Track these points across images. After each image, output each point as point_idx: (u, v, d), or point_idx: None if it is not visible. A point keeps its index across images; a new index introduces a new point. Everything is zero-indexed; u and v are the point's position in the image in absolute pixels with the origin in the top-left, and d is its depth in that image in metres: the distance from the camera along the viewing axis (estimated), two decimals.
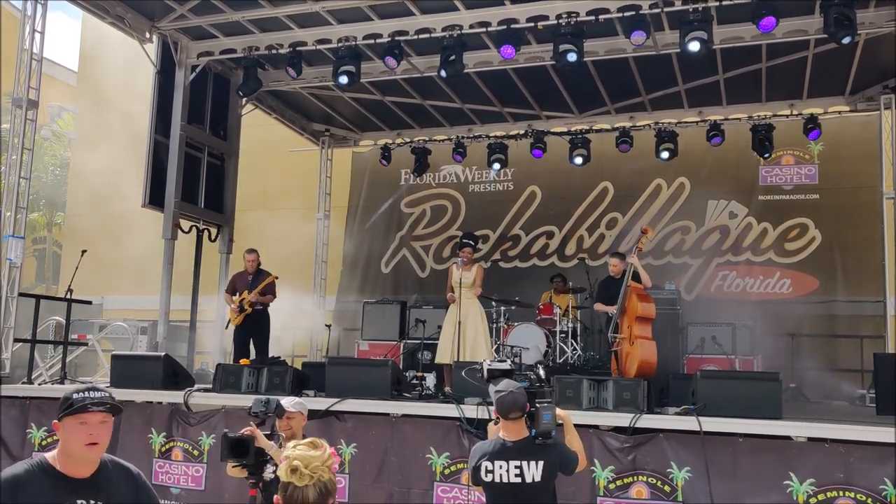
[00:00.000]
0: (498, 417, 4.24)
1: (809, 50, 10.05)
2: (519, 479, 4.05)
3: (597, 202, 13.29)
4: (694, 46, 8.60)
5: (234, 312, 9.62)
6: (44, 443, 8.19)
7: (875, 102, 11.29)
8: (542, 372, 4.39)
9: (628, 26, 8.93)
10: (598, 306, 8.67)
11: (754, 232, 12.40)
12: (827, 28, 8.41)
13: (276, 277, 9.72)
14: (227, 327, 9.92)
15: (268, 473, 4.76)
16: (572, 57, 8.85)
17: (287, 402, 5.16)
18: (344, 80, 9.81)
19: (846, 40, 8.27)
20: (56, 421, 2.99)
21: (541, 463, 4.06)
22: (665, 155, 12.10)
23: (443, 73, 9.48)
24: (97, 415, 2.95)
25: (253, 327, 9.65)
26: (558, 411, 4.23)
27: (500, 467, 4.06)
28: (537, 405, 4.11)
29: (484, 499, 6.44)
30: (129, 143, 14.58)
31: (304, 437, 5.13)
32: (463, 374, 5.24)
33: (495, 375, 4.29)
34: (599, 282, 8.97)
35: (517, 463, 4.06)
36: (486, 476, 4.09)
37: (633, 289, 8.05)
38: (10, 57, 9.38)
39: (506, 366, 4.41)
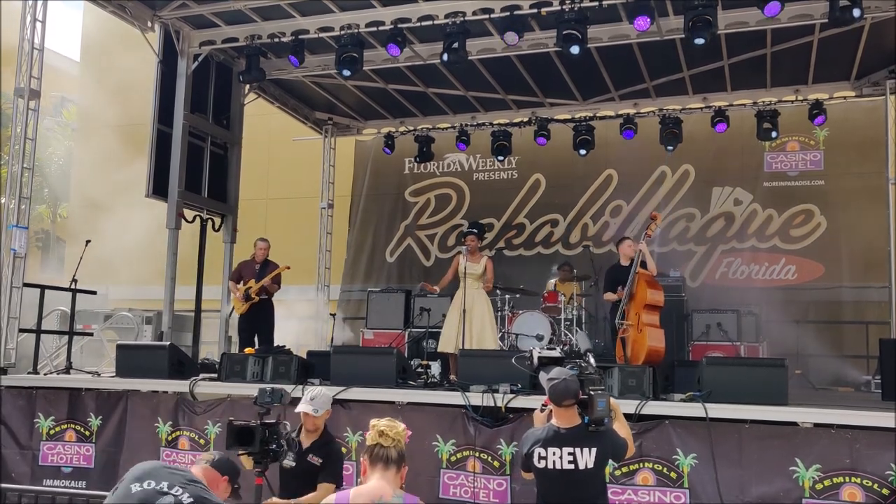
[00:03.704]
0: (545, 405, 4.30)
1: (815, 34, 9.97)
2: (572, 466, 4.10)
3: (601, 190, 13.24)
4: (699, 41, 8.58)
5: (239, 301, 9.64)
6: (51, 432, 8.23)
7: (881, 87, 11.22)
8: (592, 360, 4.42)
9: (632, 12, 8.90)
10: (608, 296, 8.60)
11: (759, 218, 12.34)
12: (832, 13, 8.36)
13: (288, 267, 9.73)
14: (230, 315, 9.94)
15: (287, 461, 4.77)
16: (575, 50, 8.80)
17: (309, 403, 5.08)
18: (346, 68, 9.77)
19: (856, 13, 8.16)
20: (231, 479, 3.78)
21: (594, 450, 4.11)
22: (669, 142, 12.04)
23: (445, 57, 9.41)
24: None
25: (258, 317, 9.68)
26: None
27: (554, 454, 4.10)
28: (591, 392, 4.15)
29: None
30: (132, 132, 14.60)
31: (325, 428, 5.16)
32: (513, 361, 5.31)
33: (545, 363, 4.32)
34: (606, 270, 8.92)
35: (570, 449, 4.10)
36: (539, 462, 4.13)
37: (642, 276, 8.02)
38: (11, 46, 9.36)
39: (556, 353, 4.44)
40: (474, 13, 9.33)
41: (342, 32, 9.83)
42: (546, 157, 13.23)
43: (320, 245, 13.89)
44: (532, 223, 13.53)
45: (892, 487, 5.76)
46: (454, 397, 7.06)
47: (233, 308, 9.80)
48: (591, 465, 4.11)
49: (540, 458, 4.13)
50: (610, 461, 4.41)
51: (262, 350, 9.03)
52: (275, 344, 9.65)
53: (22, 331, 9.05)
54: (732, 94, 11.95)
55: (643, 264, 8.13)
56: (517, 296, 10.56)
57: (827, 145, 12.21)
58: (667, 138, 12.02)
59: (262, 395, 4.89)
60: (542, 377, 4.28)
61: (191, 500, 2.96)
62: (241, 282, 9.70)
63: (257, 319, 9.70)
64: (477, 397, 6.89)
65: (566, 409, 4.18)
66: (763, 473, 6.09)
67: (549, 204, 13.48)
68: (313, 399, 5.13)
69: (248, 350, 8.93)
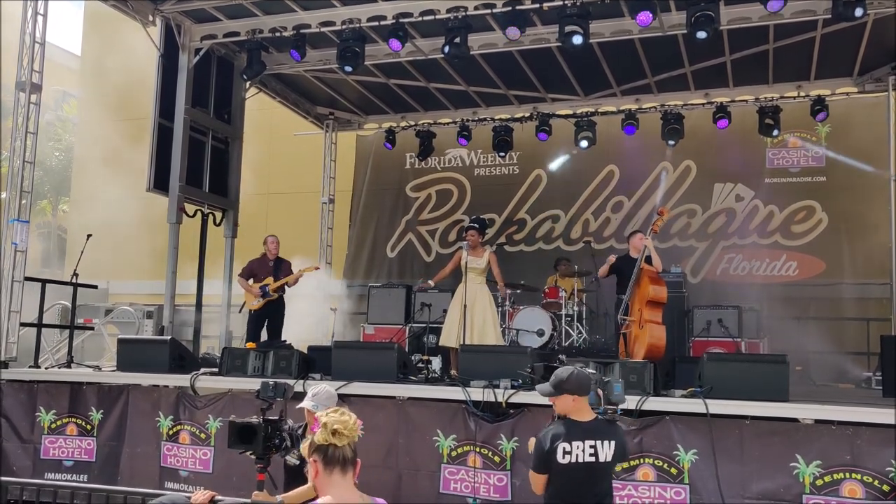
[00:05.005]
0: (554, 417, 4.35)
1: (817, 30, 9.96)
2: (593, 459, 4.13)
3: (602, 185, 13.23)
4: (701, 35, 8.57)
5: (253, 297, 9.59)
6: (53, 426, 8.24)
7: (883, 83, 11.20)
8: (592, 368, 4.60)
9: (634, 7, 8.89)
10: (602, 269, 8.70)
11: (761, 215, 12.34)
12: (835, 9, 8.35)
13: (317, 268, 9.95)
14: (241, 311, 9.94)
15: (291, 460, 4.76)
16: (578, 39, 8.78)
17: (311, 399, 5.02)
18: (348, 63, 9.75)
19: (858, 12, 8.17)
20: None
21: (612, 443, 4.18)
22: (671, 138, 12.03)
23: (446, 51, 9.38)
24: None
25: (271, 313, 9.71)
26: None
27: (577, 447, 4.13)
28: (606, 380, 4.29)
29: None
30: (133, 127, 14.59)
31: None
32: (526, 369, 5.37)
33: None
34: (616, 258, 8.90)
35: (592, 443, 4.15)
36: (564, 458, 4.11)
37: (646, 271, 8.00)
38: (13, 40, 9.35)
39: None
40: (476, 8, 9.31)
41: (344, 27, 9.82)
42: (547, 152, 13.22)
43: (321, 240, 13.89)
44: (533, 219, 13.53)
45: (892, 483, 5.76)
46: (455, 392, 7.05)
47: (244, 303, 9.80)
48: (609, 459, 4.16)
49: (564, 452, 4.12)
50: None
51: (263, 345, 9.03)
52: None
53: (23, 325, 9.06)
54: (734, 89, 11.93)
55: (648, 259, 8.12)
56: (518, 291, 10.55)
57: (829, 141, 12.19)
58: (668, 134, 12.01)
59: (266, 388, 4.86)
60: (544, 388, 4.38)
61: None
62: (252, 279, 9.69)
63: (270, 315, 9.73)
64: (478, 392, 6.88)
65: (585, 401, 4.21)
66: (764, 469, 6.09)
67: (551, 199, 13.48)
68: (315, 395, 5.11)
69: (249, 345, 8.94)
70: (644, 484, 6.38)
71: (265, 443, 4.51)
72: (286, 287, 9.74)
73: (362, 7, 9.76)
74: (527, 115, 12.98)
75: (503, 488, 6.72)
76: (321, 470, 3.03)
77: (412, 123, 13.74)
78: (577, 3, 8.76)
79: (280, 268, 9.73)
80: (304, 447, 3.12)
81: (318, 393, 5.12)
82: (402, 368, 7.68)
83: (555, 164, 13.31)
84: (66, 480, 7.77)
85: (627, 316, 8.05)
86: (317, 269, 9.91)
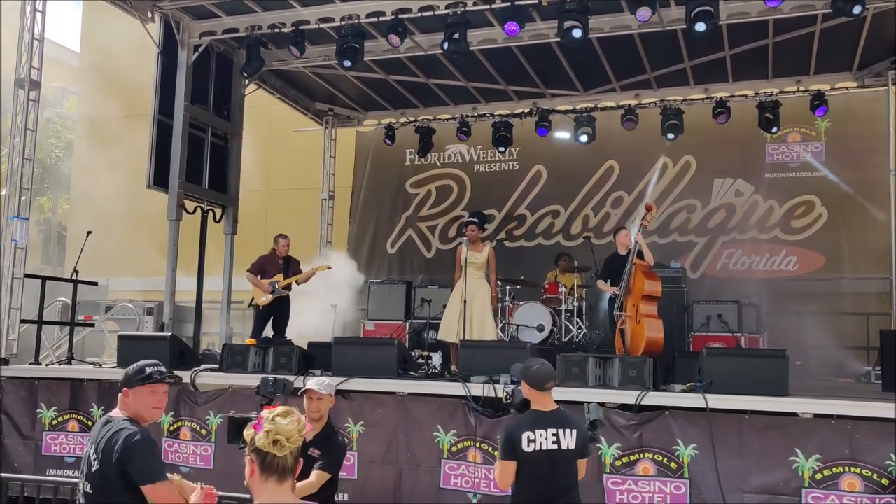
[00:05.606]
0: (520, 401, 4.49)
1: (817, 25, 9.94)
2: (555, 446, 4.29)
3: (602, 181, 13.22)
4: (700, 27, 8.55)
5: (263, 293, 9.61)
6: (53, 422, 8.26)
7: (883, 78, 11.19)
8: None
9: (634, 2, 8.86)
10: (601, 284, 8.62)
11: (760, 209, 12.33)
12: (834, 4, 8.34)
13: (329, 267, 9.96)
14: (250, 305, 9.97)
15: None
16: (577, 33, 8.76)
17: (315, 383, 5.08)
18: (347, 59, 9.75)
19: (857, 10, 8.17)
20: (126, 388, 3.63)
21: (574, 431, 4.34)
22: (671, 133, 12.04)
23: (445, 46, 9.36)
24: (164, 385, 3.70)
25: (279, 309, 9.73)
26: None
27: (541, 435, 4.29)
28: (589, 404, 4.61)
29: (491, 475, 6.52)
30: (133, 123, 14.60)
31: (329, 419, 5.13)
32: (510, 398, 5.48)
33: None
34: (604, 259, 8.93)
35: (554, 431, 4.31)
36: (529, 446, 4.26)
37: (639, 266, 8.01)
38: (12, 37, 9.35)
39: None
40: (475, 3, 9.29)
41: (343, 23, 9.80)
42: (547, 148, 13.22)
43: (321, 237, 13.88)
44: (533, 214, 13.53)
45: (891, 477, 5.78)
46: (455, 388, 7.07)
47: (252, 298, 9.82)
48: (572, 447, 4.32)
49: (529, 441, 4.27)
50: (583, 455, 4.51)
51: (264, 341, 9.05)
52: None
53: (23, 321, 9.07)
54: (734, 84, 11.91)
55: (640, 255, 8.13)
56: (518, 287, 10.57)
57: (829, 136, 12.18)
58: (668, 129, 12.00)
59: (265, 384, 4.90)
60: (515, 367, 4.54)
61: (96, 456, 3.55)
62: (262, 275, 9.69)
63: (277, 312, 9.74)
64: (478, 388, 6.90)
65: (546, 394, 4.41)
66: (763, 463, 6.11)
67: (550, 195, 13.48)
68: (318, 382, 5.16)
69: (249, 341, 8.96)
70: (644, 478, 6.40)
71: None
72: (294, 284, 9.75)
73: (361, 3, 9.74)
74: (526, 110, 12.96)
75: None
76: (257, 473, 2.84)
77: (412, 119, 13.73)
78: None
79: (289, 265, 9.77)
80: (246, 435, 2.90)
81: (320, 380, 5.19)
82: (402, 364, 7.71)
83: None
84: (67, 477, 7.78)
85: (622, 312, 8.06)
86: (329, 268, 9.93)
